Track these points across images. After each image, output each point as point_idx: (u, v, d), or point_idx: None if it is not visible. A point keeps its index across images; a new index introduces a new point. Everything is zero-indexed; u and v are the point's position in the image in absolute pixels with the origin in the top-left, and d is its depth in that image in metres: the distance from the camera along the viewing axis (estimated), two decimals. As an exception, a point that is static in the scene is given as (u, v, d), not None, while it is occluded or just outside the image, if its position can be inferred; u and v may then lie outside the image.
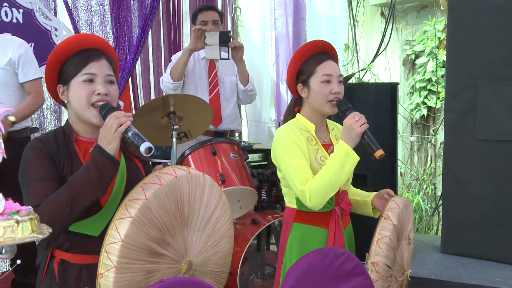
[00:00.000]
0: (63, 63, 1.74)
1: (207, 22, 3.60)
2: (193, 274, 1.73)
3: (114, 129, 1.59)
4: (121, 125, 1.60)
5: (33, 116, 3.58)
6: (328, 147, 2.17)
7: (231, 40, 3.44)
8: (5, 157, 1.13)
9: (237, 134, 4.39)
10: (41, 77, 3.23)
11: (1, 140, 1.13)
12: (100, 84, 1.71)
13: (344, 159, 1.97)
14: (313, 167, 2.06)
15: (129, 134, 1.62)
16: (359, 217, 2.38)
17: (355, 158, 1.99)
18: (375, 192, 2.27)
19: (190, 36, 3.95)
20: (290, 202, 2.17)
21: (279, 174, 2.20)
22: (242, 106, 5.80)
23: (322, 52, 2.18)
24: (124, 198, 1.57)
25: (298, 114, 2.20)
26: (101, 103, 1.70)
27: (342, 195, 2.16)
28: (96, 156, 1.58)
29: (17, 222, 1.01)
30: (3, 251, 1.02)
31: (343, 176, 1.99)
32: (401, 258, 2.09)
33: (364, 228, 2.32)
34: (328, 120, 2.26)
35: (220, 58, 3.50)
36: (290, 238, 2.15)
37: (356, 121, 1.98)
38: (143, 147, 1.58)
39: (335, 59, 2.20)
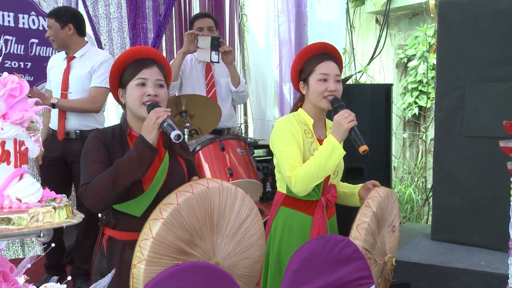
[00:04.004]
0: (122, 71, 1.90)
1: (202, 29, 3.53)
2: None
3: (153, 121, 1.74)
4: (159, 118, 1.74)
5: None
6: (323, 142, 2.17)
7: (222, 45, 3.38)
8: (42, 149, 1.16)
9: (235, 131, 4.37)
10: (105, 87, 3.21)
11: (39, 134, 1.17)
12: (151, 87, 1.86)
13: (330, 152, 1.95)
14: (306, 157, 2.05)
15: (165, 124, 1.75)
16: (344, 208, 2.36)
17: (341, 152, 1.97)
18: (362, 184, 2.25)
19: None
20: (280, 187, 2.18)
21: (274, 161, 2.19)
22: (248, 106, 5.83)
23: (323, 53, 2.16)
24: (160, 202, 1.67)
25: (300, 108, 2.20)
26: (149, 102, 1.84)
27: (330, 188, 2.15)
28: (138, 144, 1.75)
29: (54, 208, 1.05)
30: (41, 235, 1.05)
31: (328, 167, 1.97)
32: (382, 243, 2.08)
33: (348, 217, 2.30)
34: (328, 120, 2.24)
35: (211, 61, 3.43)
36: (275, 219, 2.16)
37: (345, 118, 1.96)
38: (172, 134, 1.71)
39: (336, 60, 2.17)
